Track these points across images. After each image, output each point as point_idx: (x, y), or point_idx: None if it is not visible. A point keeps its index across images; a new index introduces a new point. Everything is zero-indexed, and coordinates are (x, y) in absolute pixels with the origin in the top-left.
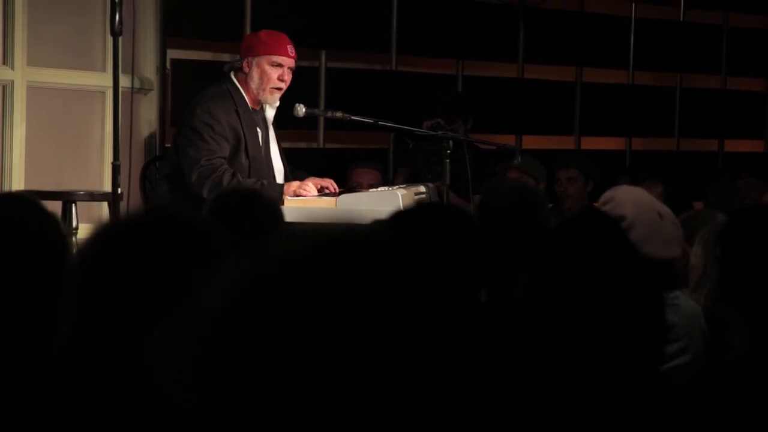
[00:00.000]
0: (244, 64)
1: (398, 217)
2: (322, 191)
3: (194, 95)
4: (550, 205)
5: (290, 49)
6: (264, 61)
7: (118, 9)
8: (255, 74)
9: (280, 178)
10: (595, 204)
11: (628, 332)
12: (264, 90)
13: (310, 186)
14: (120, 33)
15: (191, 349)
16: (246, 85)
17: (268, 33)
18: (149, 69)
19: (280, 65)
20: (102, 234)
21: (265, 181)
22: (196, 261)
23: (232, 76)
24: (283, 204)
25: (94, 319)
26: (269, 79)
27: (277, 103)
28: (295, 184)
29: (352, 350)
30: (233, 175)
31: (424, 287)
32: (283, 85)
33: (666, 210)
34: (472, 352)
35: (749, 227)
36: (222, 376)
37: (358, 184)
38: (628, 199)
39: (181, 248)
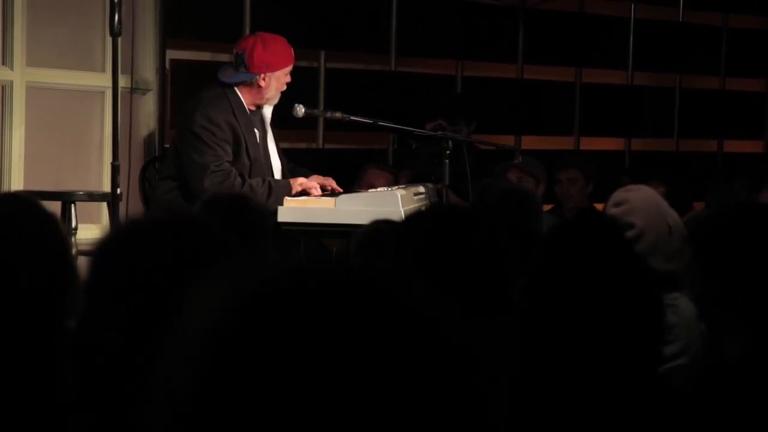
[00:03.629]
0: (260, 80)
1: (408, 221)
2: (324, 190)
3: (194, 96)
4: (551, 205)
5: (293, 52)
6: (281, 74)
7: (117, 9)
8: (272, 87)
9: (278, 175)
10: (603, 204)
11: (627, 333)
12: (276, 97)
13: (315, 183)
14: (119, 33)
15: (183, 369)
16: (251, 93)
17: (275, 43)
18: (149, 69)
19: (290, 72)
20: (116, 234)
21: (272, 181)
22: (208, 267)
23: None
24: (282, 203)
25: (102, 320)
26: (282, 86)
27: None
28: (300, 179)
29: (342, 374)
30: (243, 179)
31: (421, 313)
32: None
33: (675, 219)
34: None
35: (728, 224)
36: (211, 399)
37: (370, 185)
38: (642, 208)
39: (194, 254)
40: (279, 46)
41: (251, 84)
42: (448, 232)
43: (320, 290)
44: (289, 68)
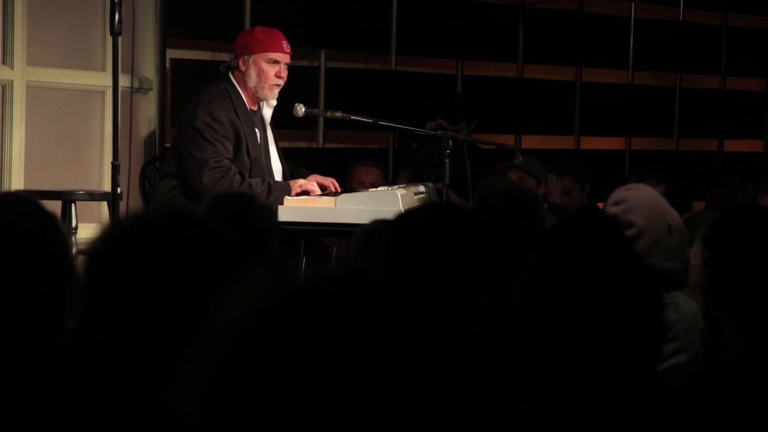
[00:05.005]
0: (241, 63)
1: (403, 217)
2: (324, 190)
3: (194, 95)
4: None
5: (285, 44)
6: (261, 59)
7: (117, 9)
8: (252, 72)
9: (278, 177)
10: (602, 204)
11: (627, 332)
12: (263, 87)
13: (315, 184)
14: (119, 33)
15: (204, 377)
16: (244, 84)
17: (262, 30)
18: (149, 69)
19: (276, 62)
20: (113, 232)
21: (272, 182)
22: (209, 266)
23: (230, 76)
24: (282, 203)
25: (100, 319)
26: (267, 76)
27: (275, 101)
28: (300, 181)
29: (360, 386)
30: (243, 177)
31: (442, 328)
32: (281, 82)
33: (675, 218)
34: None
35: (736, 228)
36: (232, 405)
37: (360, 182)
38: (641, 207)
39: (192, 250)
40: (263, 33)
41: (236, 69)
42: (442, 229)
43: (344, 298)
44: (271, 56)
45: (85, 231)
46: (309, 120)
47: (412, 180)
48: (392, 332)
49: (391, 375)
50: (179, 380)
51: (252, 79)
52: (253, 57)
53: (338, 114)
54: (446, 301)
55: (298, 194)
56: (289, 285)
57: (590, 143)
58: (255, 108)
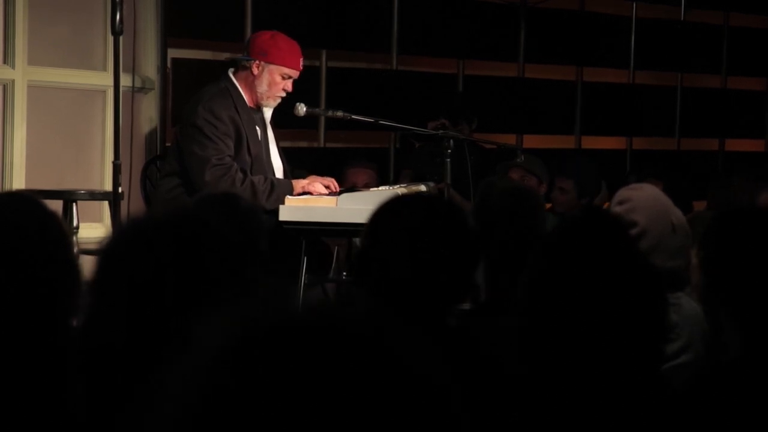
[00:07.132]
0: (254, 66)
1: (396, 206)
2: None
3: (194, 94)
4: (548, 204)
5: (302, 62)
6: (276, 71)
7: (118, 8)
8: (264, 80)
9: (279, 175)
10: (607, 203)
11: (630, 331)
12: (267, 97)
13: (318, 184)
14: (121, 32)
15: (177, 405)
16: (248, 85)
17: (285, 40)
18: (150, 68)
19: (289, 77)
20: (119, 236)
21: (274, 179)
22: (215, 269)
23: (231, 75)
24: (283, 203)
25: (107, 319)
26: (276, 88)
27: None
28: (302, 182)
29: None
30: (245, 175)
31: (403, 362)
32: (284, 95)
33: (679, 218)
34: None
35: (731, 229)
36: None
37: (353, 184)
38: (644, 207)
39: (198, 252)
40: (285, 44)
41: (246, 70)
42: (443, 225)
43: (318, 336)
44: (287, 71)
45: (87, 230)
46: (310, 119)
47: (413, 179)
48: (364, 373)
49: (359, 414)
50: (157, 387)
51: (261, 86)
52: (270, 66)
53: (339, 113)
54: (417, 340)
55: (299, 194)
56: (262, 317)
57: (591, 143)
58: (255, 107)
